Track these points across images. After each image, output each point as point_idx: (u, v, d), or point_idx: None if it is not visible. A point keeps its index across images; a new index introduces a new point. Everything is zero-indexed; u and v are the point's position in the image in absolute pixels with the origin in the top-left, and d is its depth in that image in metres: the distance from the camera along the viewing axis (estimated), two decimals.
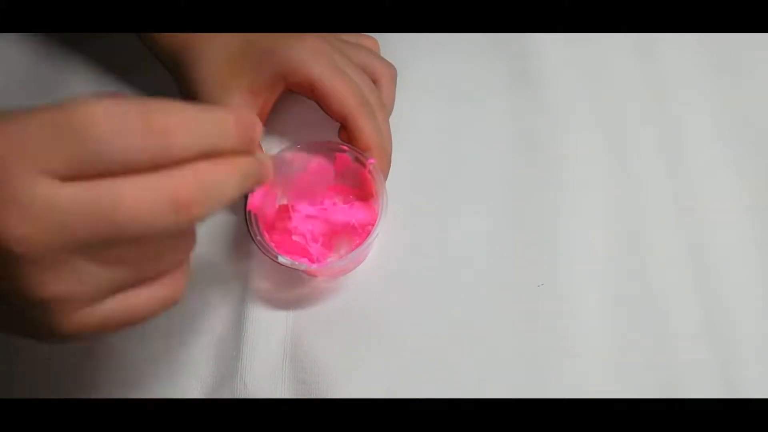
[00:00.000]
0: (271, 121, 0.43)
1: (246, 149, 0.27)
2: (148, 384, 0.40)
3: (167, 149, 0.24)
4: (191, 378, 0.40)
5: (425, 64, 0.48)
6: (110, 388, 0.40)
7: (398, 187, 0.42)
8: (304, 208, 0.41)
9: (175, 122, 0.24)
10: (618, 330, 0.40)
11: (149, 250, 0.25)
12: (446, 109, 0.47)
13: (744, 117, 0.46)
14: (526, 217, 0.43)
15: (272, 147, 0.44)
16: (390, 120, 0.42)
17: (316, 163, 0.40)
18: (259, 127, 0.27)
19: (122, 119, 0.23)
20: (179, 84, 0.43)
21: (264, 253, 0.38)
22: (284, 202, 0.41)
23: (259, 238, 0.38)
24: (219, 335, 0.41)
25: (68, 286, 0.24)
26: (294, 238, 0.40)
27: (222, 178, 0.25)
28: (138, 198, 0.23)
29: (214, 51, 0.41)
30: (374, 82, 0.43)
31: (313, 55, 0.40)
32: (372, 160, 0.40)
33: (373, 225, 0.39)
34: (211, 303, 0.41)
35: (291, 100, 0.44)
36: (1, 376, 0.41)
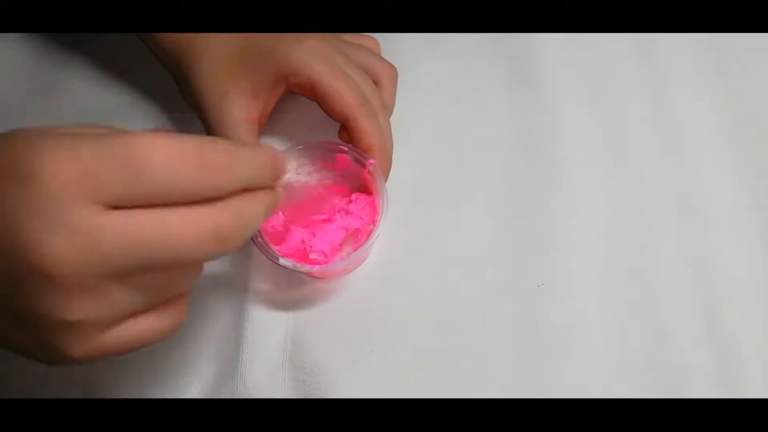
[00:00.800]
0: (272, 121, 0.43)
1: (272, 184, 0.28)
2: (148, 384, 0.40)
3: (216, 186, 0.25)
4: (191, 378, 0.40)
5: (425, 64, 0.48)
6: (110, 388, 0.40)
7: (398, 187, 0.42)
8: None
9: (225, 161, 0.25)
10: (618, 330, 0.40)
11: (168, 276, 0.26)
12: (446, 109, 0.47)
13: (744, 117, 0.46)
14: (526, 217, 0.43)
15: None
16: (390, 120, 0.42)
17: (317, 193, 0.40)
18: (287, 166, 0.29)
19: (180, 157, 0.24)
20: (180, 85, 0.43)
21: (264, 254, 0.38)
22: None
23: (259, 240, 0.38)
24: (219, 335, 0.41)
25: (93, 311, 0.24)
26: (311, 256, 0.39)
27: (255, 211, 0.27)
28: (183, 228, 0.24)
29: (214, 52, 0.41)
30: (375, 82, 0.43)
31: (314, 55, 0.40)
32: (372, 161, 0.40)
33: (374, 225, 0.39)
34: (211, 303, 0.41)
35: (291, 100, 0.44)
36: (1, 375, 0.41)
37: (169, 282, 0.26)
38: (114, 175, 0.23)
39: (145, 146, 0.23)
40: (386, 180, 0.41)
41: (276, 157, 0.28)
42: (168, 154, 0.24)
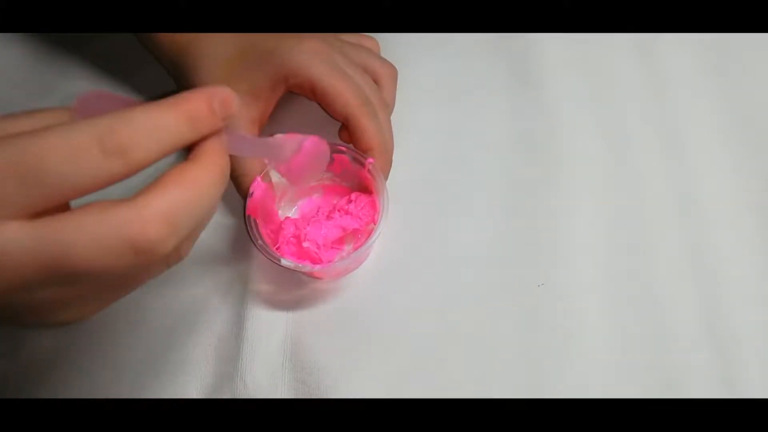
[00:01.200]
0: (272, 121, 0.43)
1: (220, 127, 0.25)
2: (148, 384, 0.40)
3: (126, 167, 0.23)
4: (191, 378, 0.40)
5: (425, 64, 0.48)
6: (110, 388, 0.40)
7: (398, 187, 0.42)
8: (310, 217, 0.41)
9: (130, 137, 0.23)
10: (618, 330, 0.40)
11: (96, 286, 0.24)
12: (446, 109, 0.47)
13: (744, 117, 0.46)
14: (526, 217, 0.43)
15: None
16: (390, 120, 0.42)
17: (310, 142, 0.36)
18: (234, 99, 0.26)
19: (74, 147, 0.22)
20: (180, 86, 0.43)
21: (266, 256, 0.38)
22: (281, 184, 0.41)
23: (260, 242, 0.38)
24: (219, 335, 0.41)
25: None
26: (304, 245, 0.39)
27: (194, 202, 0.24)
28: (92, 244, 0.22)
29: (214, 53, 0.41)
30: (375, 82, 0.43)
31: (314, 56, 0.40)
32: (371, 160, 0.40)
33: (374, 225, 0.39)
34: (212, 304, 0.41)
35: (291, 100, 0.44)
36: (1, 376, 0.41)
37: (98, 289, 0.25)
38: (12, 187, 0.22)
39: (37, 147, 0.22)
40: (386, 180, 0.41)
41: (218, 98, 0.25)
42: (61, 149, 0.22)
